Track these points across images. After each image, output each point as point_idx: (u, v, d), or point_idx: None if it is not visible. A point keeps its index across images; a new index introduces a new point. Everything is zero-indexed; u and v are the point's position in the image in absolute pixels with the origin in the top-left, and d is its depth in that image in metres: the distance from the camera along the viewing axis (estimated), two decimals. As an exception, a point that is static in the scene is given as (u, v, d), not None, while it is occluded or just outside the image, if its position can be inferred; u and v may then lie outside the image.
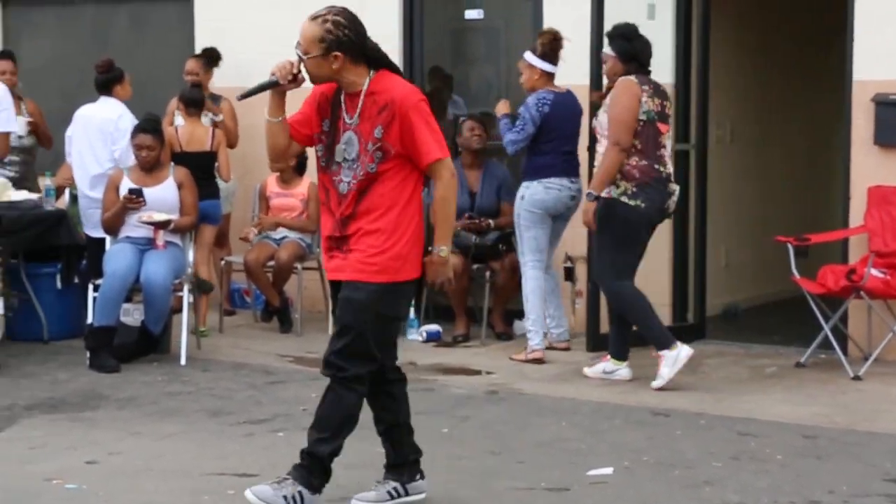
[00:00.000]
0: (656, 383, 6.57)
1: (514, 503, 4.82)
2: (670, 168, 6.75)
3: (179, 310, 7.46)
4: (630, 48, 6.71)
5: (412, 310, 8.06)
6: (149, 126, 7.41)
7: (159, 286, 7.13)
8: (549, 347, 7.43)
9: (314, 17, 4.39)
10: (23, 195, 7.85)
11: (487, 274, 7.90)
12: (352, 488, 4.78)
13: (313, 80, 4.45)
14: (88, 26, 10.00)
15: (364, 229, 4.42)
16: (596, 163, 6.80)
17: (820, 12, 9.24)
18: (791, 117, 9.63)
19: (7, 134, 6.99)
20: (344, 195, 4.45)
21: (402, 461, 4.72)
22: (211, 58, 8.59)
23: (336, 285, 4.56)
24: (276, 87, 4.44)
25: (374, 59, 4.44)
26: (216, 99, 8.52)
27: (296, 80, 4.42)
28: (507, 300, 8.01)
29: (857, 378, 6.82)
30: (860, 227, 7.32)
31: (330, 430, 4.50)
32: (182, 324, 7.35)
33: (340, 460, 4.96)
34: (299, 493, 4.48)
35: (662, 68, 7.83)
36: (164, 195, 7.40)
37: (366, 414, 4.84)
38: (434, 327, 8.00)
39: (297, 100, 4.59)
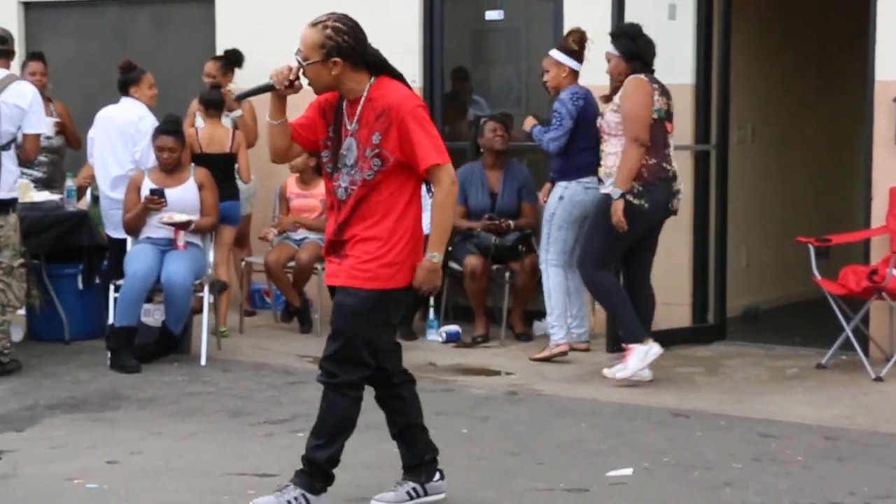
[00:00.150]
0: (620, 373, 6.61)
1: (533, 504, 4.82)
2: (676, 166, 6.78)
3: (200, 310, 7.49)
4: (634, 47, 6.72)
5: (431, 311, 8.08)
6: (170, 128, 7.44)
7: (180, 287, 7.16)
8: (570, 349, 7.42)
9: (314, 24, 4.40)
10: (44, 196, 7.90)
11: (507, 275, 7.89)
12: (372, 489, 4.78)
13: (314, 88, 4.45)
14: (110, 28, 10.04)
15: (359, 236, 4.43)
16: (603, 163, 6.81)
17: (841, 13, 9.21)
18: (812, 118, 9.59)
19: (38, 135, 7.03)
20: (343, 201, 4.46)
21: (419, 461, 4.72)
22: (231, 60, 8.60)
23: (334, 290, 4.57)
24: (274, 92, 4.45)
25: (374, 65, 4.43)
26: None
27: (293, 87, 4.42)
28: (526, 301, 8.00)
29: (878, 379, 6.78)
30: (882, 228, 7.28)
31: (325, 436, 4.51)
32: (202, 324, 7.37)
33: (361, 461, 4.98)
34: (303, 495, 4.50)
35: (683, 68, 7.84)
36: (185, 196, 7.43)
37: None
38: (453, 328, 8.00)
39: (306, 102, 4.59)
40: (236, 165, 8.07)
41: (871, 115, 7.32)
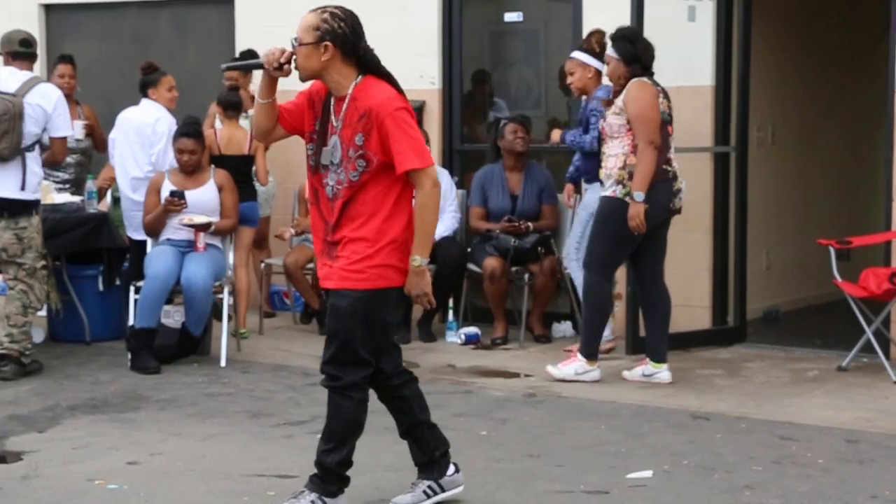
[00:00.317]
0: (554, 370, 6.80)
1: (553, 506, 4.82)
2: (676, 166, 6.79)
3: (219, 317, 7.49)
4: (633, 50, 6.72)
5: (451, 313, 8.08)
6: (190, 130, 7.46)
7: (200, 288, 7.18)
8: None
9: (315, 9, 4.44)
10: (65, 198, 7.93)
11: (526, 277, 7.89)
12: (391, 491, 4.79)
13: (301, 74, 4.44)
14: (131, 30, 10.07)
15: (348, 237, 4.44)
16: (603, 164, 6.82)
17: (863, 13, 9.17)
18: (833, 119, 9.55)
19: (64, 138, 7.07)
20: (331, 199, 4.46)
21: (429, 458, 4.72)
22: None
23: (329, 293, 4.58)
24: (263, 71, 4.45)
25: (364, 62, 4.42)
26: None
27: (281, 69, 4.41)
28: (545, 303, 8.00)
29: (899, 382, 6.76)
30: (903, 230, 7.26)
31: (334, 440, 4.52)
32: (222, 326, 7.39)
33: (379, 462, 4.98)
34: (319, 499, 4.51)
35: (702, 70, 7.82)
36: (205, 198, 7.45)
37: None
38: (472, 330, 8.00)
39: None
40: (254, 167, 8.09)
41: (892, 116, 7.28)
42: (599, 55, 7.27)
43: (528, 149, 8.06)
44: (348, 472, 4.59)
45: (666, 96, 6.76)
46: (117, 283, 7.90)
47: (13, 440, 5.71)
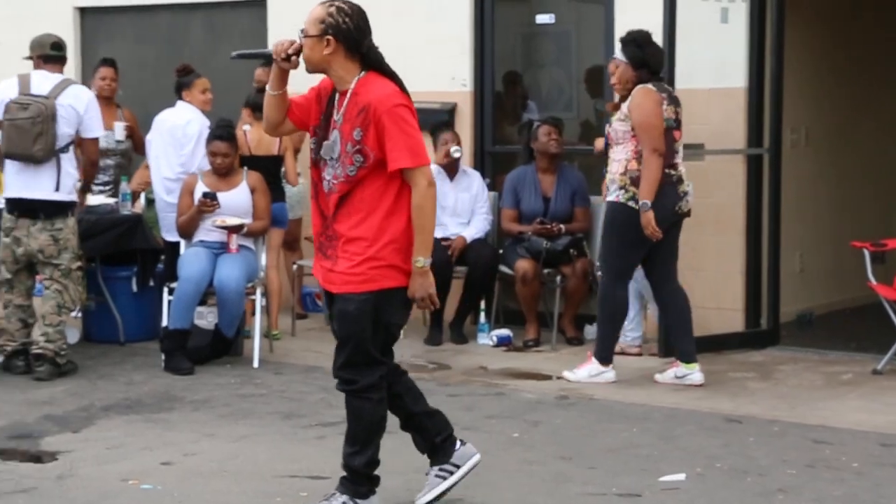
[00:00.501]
0: (569, 374, 6.87)
1: (585, 509, 4.81)
2: (682, 170, 6.78)
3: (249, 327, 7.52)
4: (641, 55, 6.72)
5: (482, 315, 8.08)
6: (223, 133, 7.49)
7: (232, 290, 7.21)
8: (621, 353, 7.40)
9: (324, 2, 4.44)
10: (99, 200, 7.99)
11: (558, 279, 7.88)
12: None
13: (307, 66, 4.45)
14: (164, 32, 10.13)
15: (346, 236, 4.41)
16: (608, 169, 6.82)
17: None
18: (868, 119, 9.48)
19: (95, 139, 7.13)
20: (327, 194, 4.45)
21: (432, 445, 4.71)
22: None
23: (329, 294, 4.56)
24: (271, 61, 4.47)
25: (367, 58, 4.41)
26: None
27: (289, 61, 4.43)
28: (577, 305, 7.98)
29: (935, 386, 6.71)
30: (939, 232, 7.20)
31: (358, 442, 4.53)
32: (255, 327, 7.42)
33: (410, 464, 4.98)
34: (352, 500, 4.53)
35: (735, 72, 7.79)
36: (238, 199, 7.48)
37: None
38: (504, 332, 7.99)
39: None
40: (283, 168, 8.11)
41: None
42: None
43: (562, 151, 8.06)
44: (377, 472, 4.59)
45: (672, 101, 6.73)
46: (151, 284, 7.95)
47: (48, 440, 5.76)
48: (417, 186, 4.37)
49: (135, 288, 7.95)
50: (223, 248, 7.40)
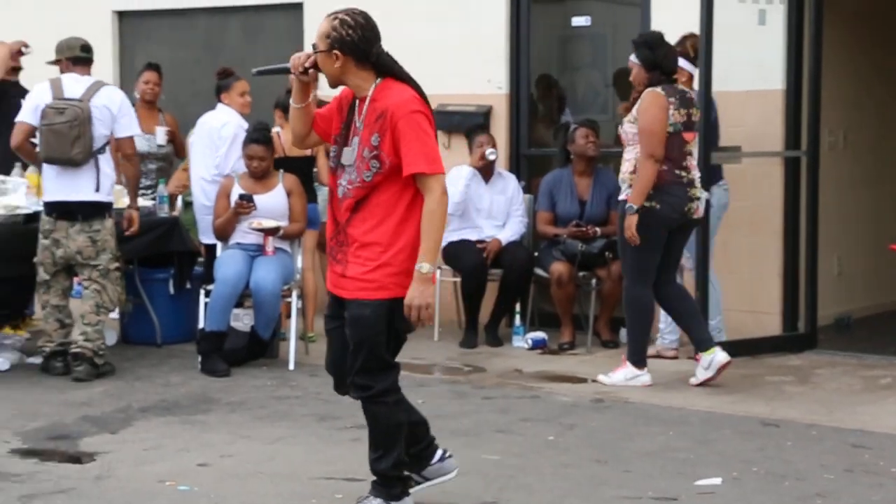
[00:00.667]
0: (604, 378, 6.85)
1: (620, 512, 4.80)
2: (695, 174, 6.76)
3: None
4: (653, 57, 6.71)
5: (518, 317, 8.07)
6: (260, 136, 7.52)
7: (269, 292, 7.24)
8: (657, 356, 7.37)
9: (329, 15, 4.44)
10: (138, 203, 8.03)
11: (593, 282, 7.86)
12: (458, 495, 4.80)
13: (327, 79, 4.46)
14: (201, 36, 10.19)
15: (360, 241, 4.39)
16: (621, 168, 6.82)
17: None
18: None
19: (132, 137, 7.19)
20: (341, 199, 4.45)
21: (408, 454, 4.64)
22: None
23: (337, 297, 4.52)
24: (290, 75, 4.48)
25: (379, 66, 4.40)
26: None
27: (306, 73, 4.43)
28: (613, 308, 7.96)
29: (975, 390, 6.65)
30: (979, 236, 7.13)
31: (380, 447, 4.52)
32: (291, 329, 7.44)
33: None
34: (386, 503, 4.53)
35: (773, 74, 7.74)
36: (274, 202, 7.51)
37: (471, 420, 4.84)
38: (540, 335, 7.98)
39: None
40: (315, 168, 8.14)
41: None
42: (694, 59, 7.27)
43: (599, 153, 8.04)
44: (407, 472, 4.60)
45: (684, 104, 6.70)
46: (188, 286, 7.99)
47: (86, 441, 5.80)
48: (432, 193, 4.34)
49: (172, 290, 8.00)
50: (259, 250, 7.43)
